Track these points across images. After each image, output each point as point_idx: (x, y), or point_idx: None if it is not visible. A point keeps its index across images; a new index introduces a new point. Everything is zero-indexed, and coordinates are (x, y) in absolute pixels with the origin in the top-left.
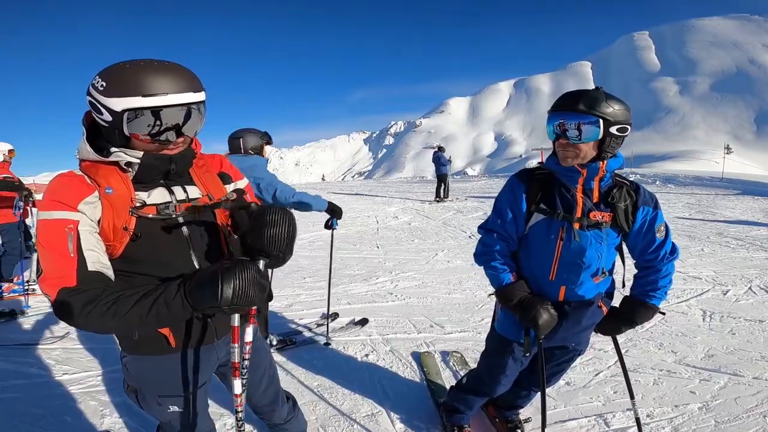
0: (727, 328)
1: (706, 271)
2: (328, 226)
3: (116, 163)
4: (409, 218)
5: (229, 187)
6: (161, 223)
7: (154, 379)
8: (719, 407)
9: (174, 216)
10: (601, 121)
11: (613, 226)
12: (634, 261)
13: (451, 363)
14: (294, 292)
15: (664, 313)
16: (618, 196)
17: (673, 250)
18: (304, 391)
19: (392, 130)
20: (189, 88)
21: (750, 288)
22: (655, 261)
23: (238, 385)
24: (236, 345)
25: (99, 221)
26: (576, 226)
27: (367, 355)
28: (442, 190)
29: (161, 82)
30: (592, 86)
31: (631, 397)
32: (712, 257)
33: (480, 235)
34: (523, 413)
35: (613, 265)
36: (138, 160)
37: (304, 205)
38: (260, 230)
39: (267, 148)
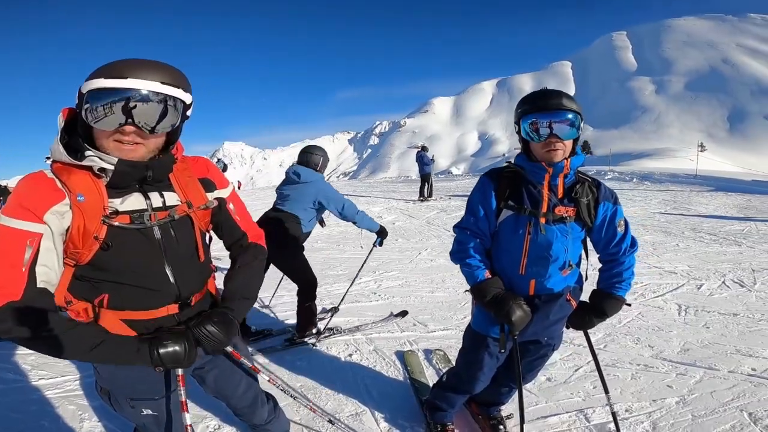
0: (702, 321)
1: (681, 265)
2: (375, 243)
3: (90, 168)
4: (393, 218)
5: (212, 195)
6: (134, 232)
7: (126, 381)
8: (696, 401)
9: (148, 225)
10: (579, 117)
11: (577, 220)
12: (599, 255)
13: (434, 361)
14: (277, 294)
15: (629, 304)
16: (581, 192)
17: (633, 243)
18: (287, 391)
19: (377, 130)
20: (155, 78)
21: (723, 282)
22: (618, 254)
23: (187, 418)
24: (182, 388)
25: (68, 229)
26: (542, 220)
27: (350, 355)
28: (425, 190)
29: (129, 70)
30: (572, 85)
31: (606, 391)
32: (687, 252)
33: (455, 234)
34: (506, 409)
35: (580, 258)
36: (112, 167)
37: (361, 224)
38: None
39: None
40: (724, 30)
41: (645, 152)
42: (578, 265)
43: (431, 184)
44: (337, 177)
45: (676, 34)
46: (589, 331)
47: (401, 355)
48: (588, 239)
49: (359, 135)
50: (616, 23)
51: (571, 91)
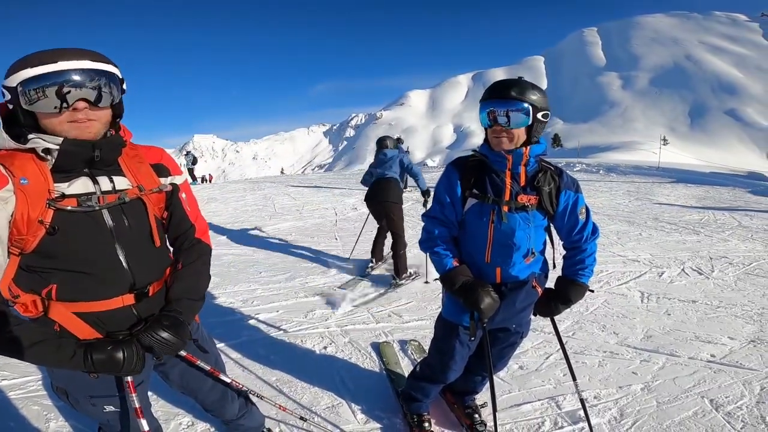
0: (663, 308)
1: (643, 254)
2: (424, 204)
3: (34, 151)
4: (368, 210)
5: (166, 180)
6: (83, 216)
7: (83, 379)
8: (659, 387)
9: (97, 208)
10: (530, 107)
11: (539, 208)
12: (562, 243)
13: (409, 351)
14: (249, 287)
15: (592, 291)
16: (543, 180)
17: (594, 231)
18: (262, 386)
19: (353, 123)
20: (82, 57)
21: (683, 270)
22: (580, 242)
23: (144, 424)
24: (134, 395)
25: (12, 215)
26: (504, 209)
27: (325, 348)
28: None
29: (53, 56)
30: (545, 80)
31: (573, 378)
32: (649, 241)
33: (424, 223)
34: (480, 398)
35: (544, 245)
36: (57, 147)
37: (421, 182)
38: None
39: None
40: (689, 27)
41: (612, 145)
42: (542, 252)
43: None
44: (312, 169)
45: (644, 30)
46: (557, 318)
47: (377, 347)
48: (552, 227)
49: (335, 127)
50: (588, 19)
51: (544, 86)
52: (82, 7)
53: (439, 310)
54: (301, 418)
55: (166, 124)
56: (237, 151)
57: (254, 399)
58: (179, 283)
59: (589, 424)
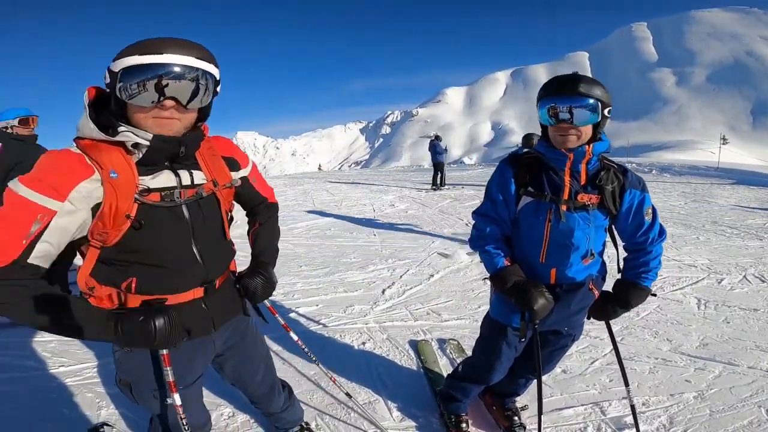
0: (722, 316)
1: (701, 259)
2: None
3: (122, 144)
4: (405, 206)
5: (236, 174)
6: (164, 211)
7: (149, 373)
8: (714, 396)
9: (178, 203)
10: (598, 103)
11: (600, 208)
12: (624, 244)
13: (448, 351)
14: (291, 281)
15: (655, 295)
16: (605, 179)
17: (661, 232)
18: (301, 380)
19: (389, 120)
20: (187, 53)
21: (745, 276)
22: (645, 243)
23: (177, 398)
24: (168, 368)
25: (98, 207)
26: (563, 207)
27: (363, 344)
28: (438, 178)
29: (161, 46)
30: (590, 76)
31: (626, 384)
32: (707, 245)
33: (474, 221)
34: (520, 401)
35: (604, 247)
36: (147, 142)
37: None
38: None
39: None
40: (749, 22)
41: (666, 144)
42: (601, 254)
43: (444, 174)
44: (349, 166)
45: (700, 25)
46: (604, 324)
47: (415, 345)
48: (613, 228)
49: (371, 124)
50: (635, 15)
51: None
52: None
53: (479, 309)
54: (347, 394)
55: (211, 121)
56: (277, 148)
57: (296, 392)
58: (261, 238)
59: (638, 430)
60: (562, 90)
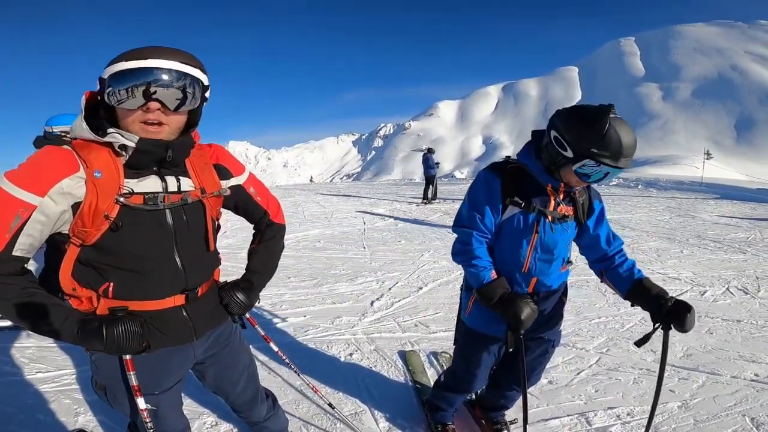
0: (705, 327)
1: (685, 272)
2: None
3: (110, 145)
4: (396, 219)
5: (227, 183)
6: (147, 215)
7: (125, 377)
8: (698, 406)
9: (162, 208)
10: None
11: (574, 219)
12: (598, 257)
13: (441, 363)
14: (278, 291)
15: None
16: (578, 191)
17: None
18: (287, 389)
19: (381, 132)
20: (173, 59)
21: (728, 289)
22: (620, 246)
23: (141, 402)
24: (132, 373)
25: (78, 204)
26: (549, 219)
27: (351, 354)
28: (429, 192)
29: (149, 53)
30: (579, 91)
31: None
32: (691, 259)
33: (457, 234)
34: (509, 415)
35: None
36: (133, 144)
37: None
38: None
39: None
40: (734, 37)
41: (651, 159)
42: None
43: (436, 187)
44: (341, 178)
45: (685, 40)
46: (589, 335)
47: (403, 355)
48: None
49: (363, 137)
50: (624, 29)
51: (578, 97)
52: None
53: None
54: (330, 405)
55: (202, 129)
56: (269, 159)
57: (281, 402)
58: (256, 257)
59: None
60: (625, 163)
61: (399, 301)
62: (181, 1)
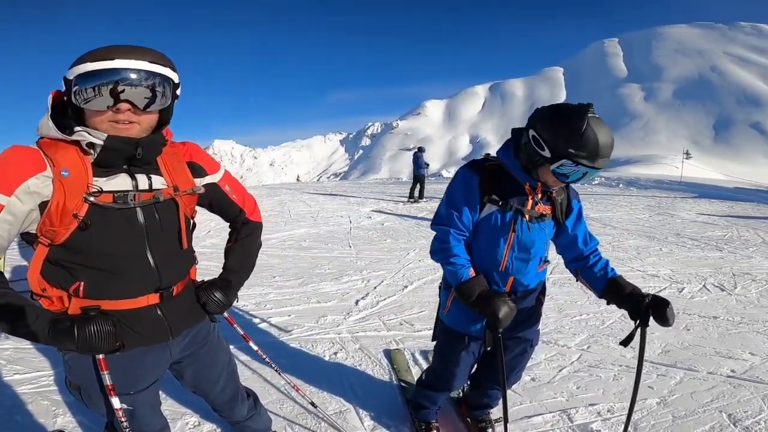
0: (683, 324)
1: (663, 269)
2: None
3: (78, 144)
4: (382, 218)
5: (201, 181)
6: (117, 213)
7: (99, 377)
8: (676, 402)
9: (132, 206)
10: None
11: (552, 218)
12: (574, 257)
13: (430, 358)
14: (263, 291)
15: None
16: (557, 191)
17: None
18: (270, 389)
19: (369, 132)
20: (140, 58)
21: (704, 286)
22: (596, 246)
23: (116, 402)
24: (105, 372)
25: (46, 204)
26: (526, 217)
27: (335, 353)
28: (416, 191)
29: (113, 52)
30: (564, 91)
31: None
32: (670, 257)
33: (435, 232)
34: (494, 413)
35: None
36: (101, 142)
37: None
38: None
39: None
40: (714, 38)
41: (632, 159)
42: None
43: (423, 186)
44: (328, 177)
45: (667, 41)
46: (571, 332)
47: (388, 353)
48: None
49: (351, 136)
50: (609, 30)
51: (563, 97)
52: (104, 9)
53: None
54: (312, 403)
55: (186, 128)
56: (255, 158)
57: (265, 402)
58: (232, 255)
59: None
60: (601, 164)
61: (384, 299)
62: (174, 2)
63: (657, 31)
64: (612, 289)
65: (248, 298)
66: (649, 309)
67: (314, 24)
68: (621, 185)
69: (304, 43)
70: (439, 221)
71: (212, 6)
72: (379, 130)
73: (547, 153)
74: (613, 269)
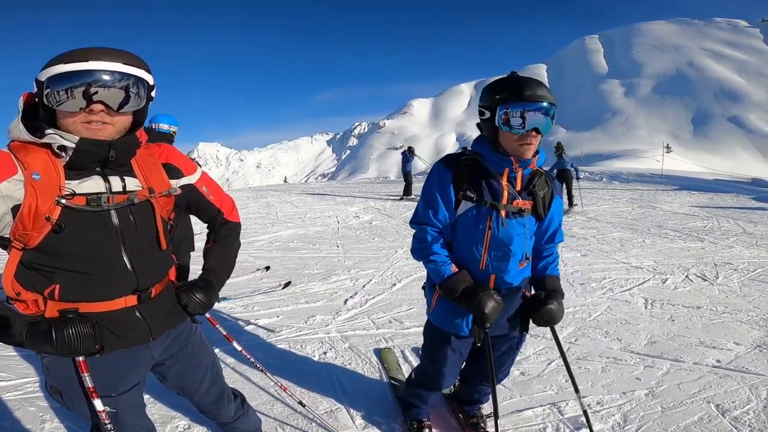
0: (667, 314)
1: (647, 261)
2: None
3: (49, 146)
4: (370, 217)
5: (177, 182)
6: (90, 216)
7: (76, 379)
8: (664, 393)
9: (106, 208)
10: (555, 110)
11: (533, 213)
12: (539, 247)
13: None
14: (250, 293)
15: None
16: (538, 185)
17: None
18: (259, 391)
19: (356, 131)
20: (114, 60)
21: (687, 276)
22: (553, 247)
23: (99, 404)
24: (86, 374)
25: (18, 208)
26: (502, 213)
27: (325, 353)
28: (403, 188)
29: (86, 54)
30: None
31: (576, 390)
32: (653, 248)
33: (414, 231)
34: (486, 408)
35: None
36: (73, 145)
37: None
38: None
39: None
40: (690, 34)
41: (615, 153)
42: (530, 258)
43: (409, 184)
44: (316, 178)
45: (646, 37)
46: (559, 326)
47: (378, 352)
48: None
49: (338, 136)
50: (590, 27)
51: None
52: (81, 10)
53: None
54: (300, 403)
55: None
56: (241, 160)
57: (254, 403)
58: (212, 256)
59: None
60: (531, 96)
61: (373, 298)
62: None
63: (636, 27)
64: (538, 285)
65: (235, 300)
66: (527, 308)
67: (299, 24)
68: (604, 179)
69: (289, 43)
70: (417, 220)
71: (196, 7)
72: (366, 130)
73: (487, 115)
74: (554, 268)
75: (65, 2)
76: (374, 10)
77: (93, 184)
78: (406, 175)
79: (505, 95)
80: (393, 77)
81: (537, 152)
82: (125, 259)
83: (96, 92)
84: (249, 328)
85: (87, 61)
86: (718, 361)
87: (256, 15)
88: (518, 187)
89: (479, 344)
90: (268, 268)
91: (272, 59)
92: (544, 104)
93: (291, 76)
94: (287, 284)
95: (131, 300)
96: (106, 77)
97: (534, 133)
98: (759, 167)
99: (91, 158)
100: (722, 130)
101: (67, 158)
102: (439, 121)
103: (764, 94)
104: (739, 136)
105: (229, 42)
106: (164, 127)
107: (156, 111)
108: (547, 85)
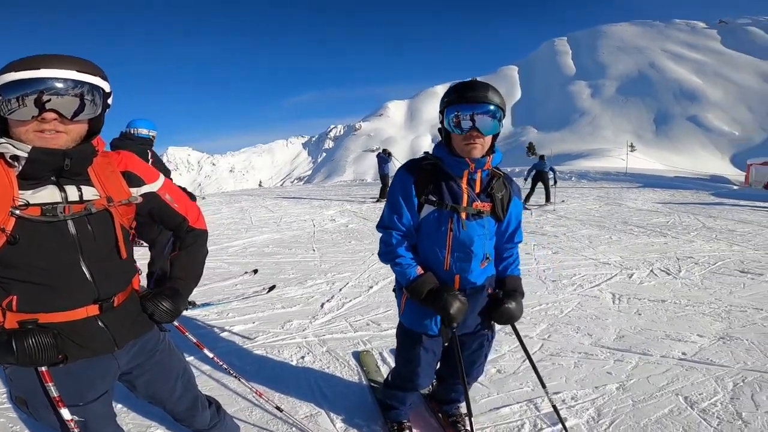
0: (634, 308)
1: (614, 256)
2: None
3: (2, 156)
4: (346, 220)
5: (137, 191)
6: (46, 226)
7: (41, 388)
8: (634, 387)
9: (62, 218)
10: (501, 113)
11: (492, 215)
12: (499, 247)
13: None
14: (224, 300)
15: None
16: (496, 187)
17: (521, 235)
18: (236, 398)
19: (332, 134)
20: (67, 67)
21: (652, 270)
22: (513, 248)
23: (66, 413)
24: (50, 384)
25: None
26: (463, 215)
27: (302, 357)
28: (380, 191)
29: (42, 61)
30: (519, 89)
31: (543, 386)
32: (619, 244)
33: (380, 234)
34: (465, 407)
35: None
36: (25, 154)
37: None
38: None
39: None
40: (652, 35)
41: (582, 153)
42: (491, 258)
43: (386, 186)
44: (292, 182)
45: (611, 39)
46: (532, 322)
47: (357, 356)
48: None
49: (313, 139)
50: (560, 29)
51: (518, 95)
52: (57, 11)
53: None
54: (278, 408)
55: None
56: (213, 164)
57: (232, 410)
58: (177, 264)
59: (564, 428)
60: (470, 97)
61: (350, 301)
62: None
63: (601, 29)
64: (499, 286)
65: (210, 307)
66: (490, 307)
67: (272, 26)
68: (573, 178)
69: (262, 45)
70: (382, 224)
71: (166, 9)
72: (341, 132)
73: (440, 118)
74: (515, 269)
75: (22, 6)
76: (349, 12)
77: (48, 194)
78: (384, 177)
79: (451, 98)
80: (369, 79)
81: (493, 152)
82: (84, 268)
83: (49, 100)
84: (224, 335)
85: (39, 68)
86: (683, 353)
87: (228, 15)
88: (477, 189)
89: (446, 343)
90: (256, 271)
91: (245, 61)
92: (488, 106)
93: (265, 79)
94: (272, 288)
95: (93, 310)
96: (58, 85)
97: (476, 133)
98: (717, 164)
99: (44, 168)
100: (682, 129)
101: (20, 168)
102: (414, 123)
103: (721, 94)
104: (698, 135)
105: (200, 43)
106: (143, 131)
107: (124, 115)
108: (493, 87)
